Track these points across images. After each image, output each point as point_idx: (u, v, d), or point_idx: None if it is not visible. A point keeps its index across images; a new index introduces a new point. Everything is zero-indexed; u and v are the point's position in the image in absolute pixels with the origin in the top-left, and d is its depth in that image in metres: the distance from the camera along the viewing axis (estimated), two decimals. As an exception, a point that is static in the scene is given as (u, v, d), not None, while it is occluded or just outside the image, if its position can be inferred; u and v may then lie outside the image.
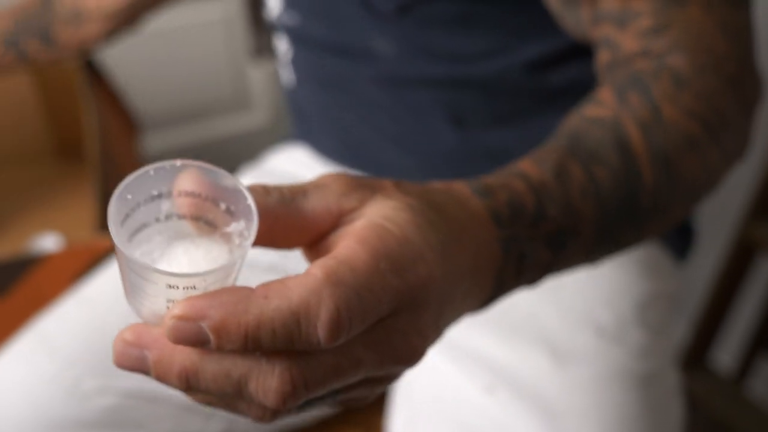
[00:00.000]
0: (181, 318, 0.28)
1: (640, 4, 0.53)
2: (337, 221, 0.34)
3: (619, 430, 0.63)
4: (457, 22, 0.68)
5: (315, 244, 0.35)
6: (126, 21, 0.92)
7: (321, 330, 0.29)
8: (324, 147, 0.84)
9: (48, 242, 1.03)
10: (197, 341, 0.29)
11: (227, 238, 0.32)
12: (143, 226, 0.33)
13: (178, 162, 0.32)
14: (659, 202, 0.48)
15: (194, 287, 0.30)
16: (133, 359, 0.31)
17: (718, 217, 1.26)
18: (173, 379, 0.30)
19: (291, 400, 0.30)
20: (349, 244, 0.31)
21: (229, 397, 0.31)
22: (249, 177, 0.86)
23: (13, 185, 1.13)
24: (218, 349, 0.29)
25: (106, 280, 0.75)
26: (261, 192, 0.34)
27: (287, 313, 0.28)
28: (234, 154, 1.75)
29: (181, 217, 0.33)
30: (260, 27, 1.63)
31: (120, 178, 0.32)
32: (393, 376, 0.34)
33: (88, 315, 0.71)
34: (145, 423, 0.68)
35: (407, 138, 0.76)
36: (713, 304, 1.27)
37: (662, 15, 0.52)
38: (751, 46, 0.54)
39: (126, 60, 1.42)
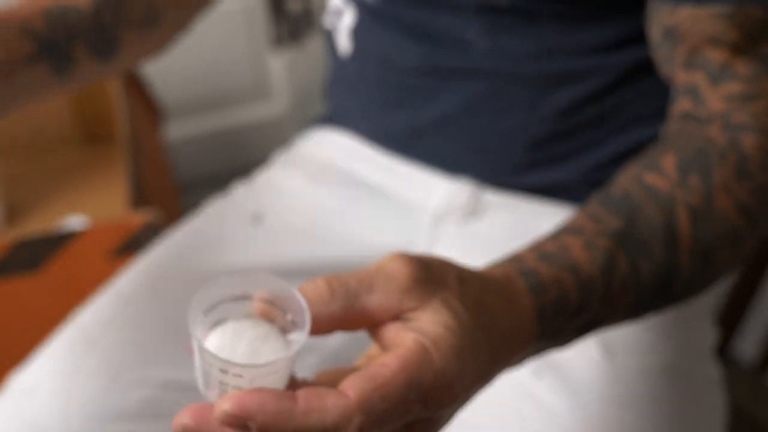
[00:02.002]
0: (230, 415, 0.33)
1: (742, 67, 0.54)
2: (396, 316, 0.39)
3: (666, 422, 0.64)
4: (567, 19, 0.68)
5: (374, 327, 0.40)
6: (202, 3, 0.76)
7: None
8: (365, 128, 0.82)
9: (75, 225, 1.03)
10: (242, 429, 0.34)
11: (289, 343, 0.39)
12: (224, 320, 0.39)
13: (260, 272, 0.39)
14: (690, 289, 0.51)
15: (241, 376, 0.35)
16: None
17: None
18: None
19: None
20: (392, 365, 0.36)
21: None
22: (281, 162, 0.85)
23: (40, 170, 1.14)
24: None
25: (141, 274, 0.76)
26: (327, 299, 0.38)
27: (321, 430, 0.34)
28: (253, 142, 1.76)
29: (258, 318, 0.39)
30: (281, 16, 1.63)
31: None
32: None
33: (124, 309, 0.72)
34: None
35: (476, 134, 0.75)
36: (736, 295, 1.26)
37: (755, 84, 0.53)
38: None
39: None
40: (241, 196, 0.82)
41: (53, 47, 0.61)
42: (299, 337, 0.37)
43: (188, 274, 0.74)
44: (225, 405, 0.34)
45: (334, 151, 0.83)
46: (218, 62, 1.66)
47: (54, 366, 0.69)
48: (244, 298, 0.39)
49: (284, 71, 1.71)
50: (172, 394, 0.68)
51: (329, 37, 0.84)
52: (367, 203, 0.78)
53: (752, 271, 1.24)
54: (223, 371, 0.36)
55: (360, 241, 0.76)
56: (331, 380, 0.38)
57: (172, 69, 1.58)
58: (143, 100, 1.32)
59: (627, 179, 0.52)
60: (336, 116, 0.86)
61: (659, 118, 0.70)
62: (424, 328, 0.37)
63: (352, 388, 0.35)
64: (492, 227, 0.74)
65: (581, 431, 0.62)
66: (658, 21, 0.58)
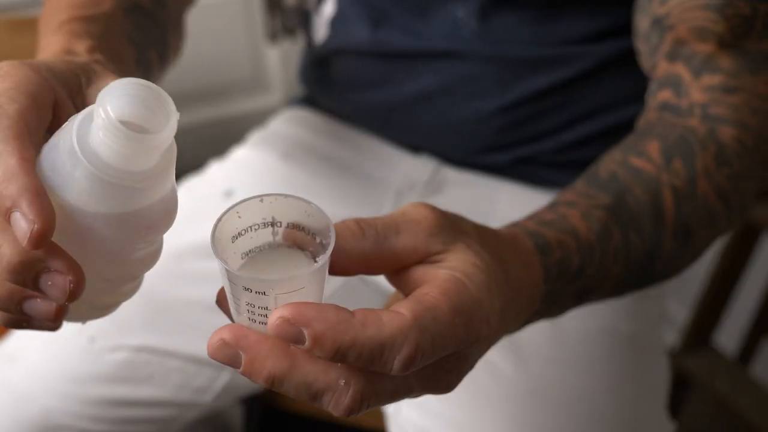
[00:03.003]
0: (288, 321, 0.33)
1: (724, 61, 0.55)
2: (422, 259, 0.39)
3: (606, 382, 0.67)
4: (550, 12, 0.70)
5: (397, 272, 0.40)
6: None
7: (397, 362, 0.34)
8: (339, 108, 0.84)
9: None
10: (294, 341, 0.34)
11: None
12: (256, 249, 0.39)
13: (286, 195, 0.37)
14: (669, 268, 0.53)
15: (265, 293, 0.34)
16: (227, 356, 0.35)
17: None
18: (260, 379, 0.35)
19: (354, 413, 0.35)
20: (433, 293, 0.36)
21: (303, 397, 0.36)
22: (254, 140, 0.86)
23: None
24: (307, 352, 0.34)
25: None
26: (358, 235, 0.39)
27: (376, 343, 0.33)
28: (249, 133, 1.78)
29: (288, 245, 0.39)
30: (276, 11, 1.65)
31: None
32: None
33: None
34: (156, 376, 0.72)
35: (449, 114, 0.76)
36: (716, 285, 1.26)
37: (736, 78, 0.55)
38: None
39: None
40: (215, 173, 0.84)
41: (143, 53, 0.56)
42: (324, 254, 0.36)
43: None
44: (282, 311, 0.33)
45: (306, 129, 0.85)
46: (216, 53, 1.67)
47: (35, 333, 0.72)
48: (273, 224, 0.38)
49: (282, 63, 1.72)
50: (145, 357, 0.72)
51: (308, 20, 0.86)
52: (335, 178, 0.80)
53: (733, 263, 1.24)
54: (247, 289, 0.34)
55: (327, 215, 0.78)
56: None
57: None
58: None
59: (612, 163, 0.54)
60: (311, 97, 0.89)
61: (625, 105, 0.73)
62: (454, 266, 0.38)
63: (404, 308, 0.35)
64: (451, 202, 0.75)
65: (525, 390, 0.65)
66: (648, 10, 0.60)
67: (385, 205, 0.78)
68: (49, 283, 0.35)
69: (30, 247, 0.34)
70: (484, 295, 0.37)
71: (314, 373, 0.34)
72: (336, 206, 0.78)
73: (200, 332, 0.72)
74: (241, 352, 0.35)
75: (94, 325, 0.71)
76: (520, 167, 0.76)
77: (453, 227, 0.40)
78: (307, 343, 0.33)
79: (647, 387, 0.69)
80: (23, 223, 0.33)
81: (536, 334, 0.67)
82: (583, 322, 0.68)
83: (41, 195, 0.34)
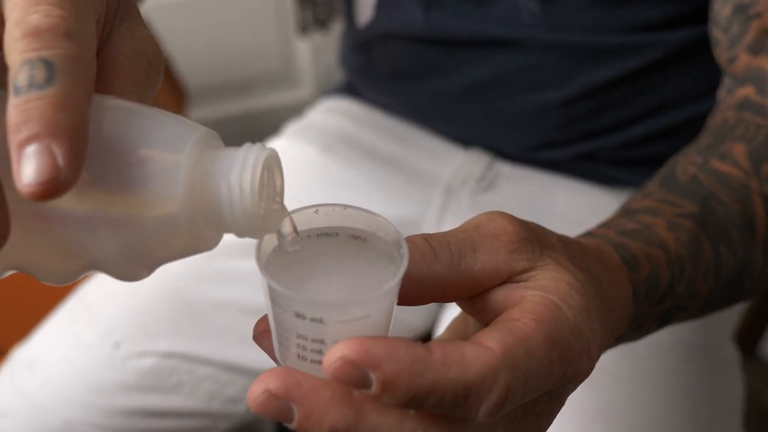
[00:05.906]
0: (351, 363, 0.27)
1: None
2: (504, 280, 0.33)
3: (682, 399, 0.62)
4: None
5: (473, 297, 0.34)
6: None
7: (484, 408, 0.28)
8: (382, 97, 0.80)
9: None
10: (358, 385, 0.27)
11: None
12: (309, 259, 0.32)
13: (345, 206, 0.32)
14: (757, 286, 0.48)
15: (321, 320, 0.28)
16: (275, 410, 0.28)
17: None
18: None
19: None
20: (525, 320, 0.30)
21: None
22: (292, 132, 0.83)
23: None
24: (374, 398, 0.28)
25: None
26: (429, 256, 0.32)
27: (461, 386, 0.27)
28: (279, 127, 1.77)
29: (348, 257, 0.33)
30: (307, 3, 1.63)
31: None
32: None
33: (126, 283, 0.71)
34: (185, 384, 0.68)
35: (506, 107, 0.71)
36: (765, 294, 1.23)
37: None
38: None
39: (174, 30, 1.43)
40: None
41: None
42: (397, 272, 0.29)
43: None
44: (342, 350, 0.27)
45: (348, 120, 0.81)
46: (246, 46, 1.66)
47: (55, 338, 0.69)
48: (328, 234, 0.32)
49: (312, 56, 1.71)
50: (174, 363, 0.68)
51: (348, 4, 0.81)
52: (379, 173, 0.76)
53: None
54: (299, 315, 0.28)
55: None
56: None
57: (200, 52, 1.58)
58: (169, 81, 1.31)
59: (691, 166, 0.48)
60: (352, 85, 0.85)
61: (698, 98, 0.68)
62: (546, 286, 0.32)
63: (492, 339, 0.29)
64: (505, 198, 0.72)
65: (593, 409, 0.60)
66: None
67: (433, 202, 0.74)
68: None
69: (34, 194, 0.24)
70: (582, 321, 0.31)
71: (385, 426, 0.28)
72: (380, 204, 0.74)
73: (233, 337, 0.68)
74: (293, 405, 0.28)
75: (120, 330, 0.68)
76: (581, 163, 0.72)
77: (538, 240, 0.34)
78: (374, 388, 0.27)
79: (724, 404, 0.64)
80: (46, 159, 0.24)
81: (635, 360, 0.62)
82: (654, 334, 0.63)
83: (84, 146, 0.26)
